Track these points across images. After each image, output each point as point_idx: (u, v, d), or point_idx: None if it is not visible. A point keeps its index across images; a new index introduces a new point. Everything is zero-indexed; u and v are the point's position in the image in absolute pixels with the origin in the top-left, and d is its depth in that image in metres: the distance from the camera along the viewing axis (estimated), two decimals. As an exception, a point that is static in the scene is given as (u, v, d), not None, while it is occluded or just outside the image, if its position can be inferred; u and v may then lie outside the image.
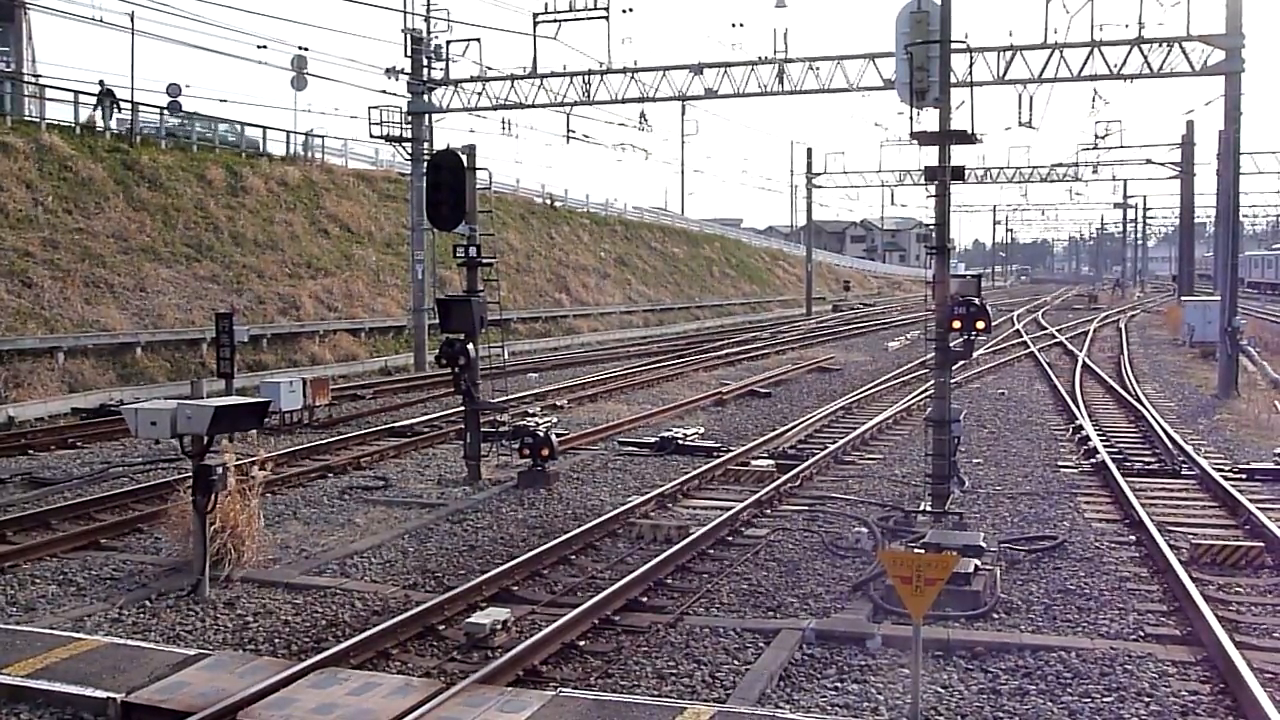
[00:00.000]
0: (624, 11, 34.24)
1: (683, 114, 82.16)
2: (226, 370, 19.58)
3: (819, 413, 21.57)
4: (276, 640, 9.10)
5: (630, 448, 18.16)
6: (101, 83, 34.01)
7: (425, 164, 22.55)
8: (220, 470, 10.25)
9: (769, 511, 13.60)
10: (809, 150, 65.74)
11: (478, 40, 33.20)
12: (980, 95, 38.31)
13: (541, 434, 15.25)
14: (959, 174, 12.93)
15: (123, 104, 34.33)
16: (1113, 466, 15.61)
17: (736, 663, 8.56)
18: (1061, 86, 27.81)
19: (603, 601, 9.55)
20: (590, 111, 34.20)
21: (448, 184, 15.61)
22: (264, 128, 39.11)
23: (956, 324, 12.55)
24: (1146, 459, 17.01)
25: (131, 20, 38.62)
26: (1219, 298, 28.36)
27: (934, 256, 12.75)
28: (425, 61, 31.67)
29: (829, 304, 73.51)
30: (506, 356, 24.26)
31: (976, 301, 12.62)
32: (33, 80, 37.10)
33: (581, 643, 8.93)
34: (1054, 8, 27.99)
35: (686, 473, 15.42)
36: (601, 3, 28.86)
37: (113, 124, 33.70)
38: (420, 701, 7.30)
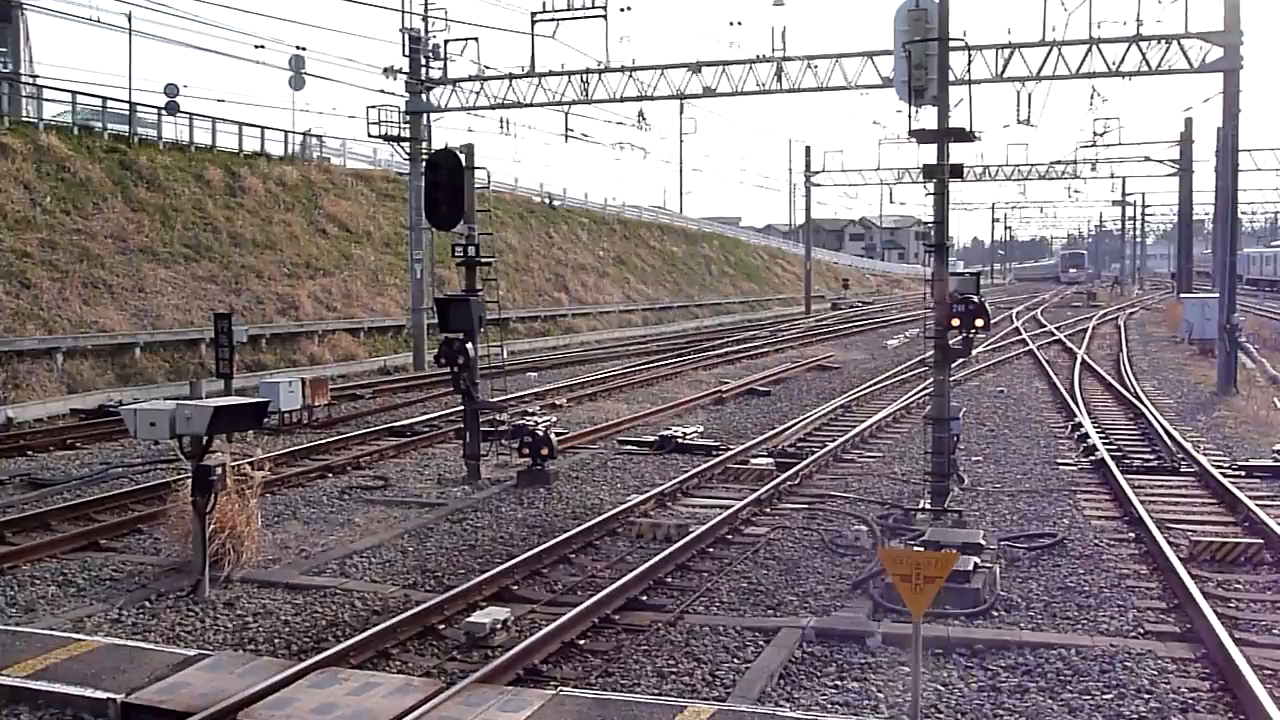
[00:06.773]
0: (622, 10, 34.19)
1: (681, 113, 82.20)
2: (225, 370, 19.57)
3: (818, 411, 21.57)
4: (276, 640, 9.10)
5: (630, 446, 18.16)
6: None
7: (423, 163, 22.58)
8: (219, 471, 10.25)
9: (769, 510, 13.59)
10: (807, 148, 65.53)
11: (476, 39, 33.29)
12: (979, 93, 38.30)
13: (541, 433, 15.26)
14: (957, 172, 12.92)
15: None
16: (1112, 464, 15.61)
17: (737, 661, 8.56)
18: (1060, 84, 28.02)
19: (603, 600, 9.56)
20: (588, 110, 34.26)
21: (446, 183, 15.61)
22: (262, 127, 39.12)
23: (955, 321, 12.54)
24: (1146, 456, 17.00)
25: (129, 20, 38.71)
26: (1218, 295, 28.36)
27: (933, 254, 12.74)
28: (423, 61, 31.66)
29: (828, 302, 73.44)
30: (505, 356, 24.25)
31: (975, 299, 12.61)
32: (30, 81, 37.05)
33: (581, 641, 8.93)
34: (1052, 5, 28.21)
35: (686, 471, 15.42)
36: (599, 2, 28.86)
37: None
38: (420, 701, 7.30)
